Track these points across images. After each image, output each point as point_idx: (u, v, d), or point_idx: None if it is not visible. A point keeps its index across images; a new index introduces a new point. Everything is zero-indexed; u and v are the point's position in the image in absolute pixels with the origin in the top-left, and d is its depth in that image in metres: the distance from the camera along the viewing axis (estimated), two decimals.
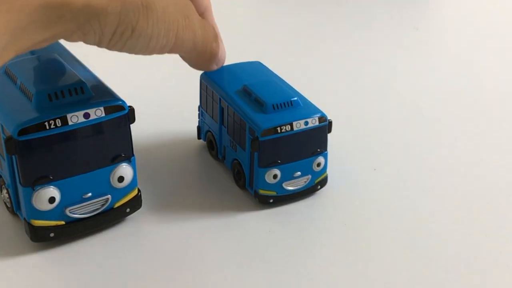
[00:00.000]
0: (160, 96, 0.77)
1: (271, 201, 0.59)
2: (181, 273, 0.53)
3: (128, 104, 0.53)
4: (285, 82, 0.63)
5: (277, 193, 0.59)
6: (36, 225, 0.53)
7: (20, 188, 0.52)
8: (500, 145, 0.71)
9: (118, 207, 0.56)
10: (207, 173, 0.64)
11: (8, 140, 0.50)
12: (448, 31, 1.02)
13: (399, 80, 0.85)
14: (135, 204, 0.57)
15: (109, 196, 0.55)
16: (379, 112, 0.77)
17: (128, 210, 0.56)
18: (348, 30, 1.00)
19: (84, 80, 0.53)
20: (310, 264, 0.54)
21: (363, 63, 0.89)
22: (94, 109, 0.52)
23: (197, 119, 0.67)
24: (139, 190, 0.57)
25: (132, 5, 0.44)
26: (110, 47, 0.46)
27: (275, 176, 0.58)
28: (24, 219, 0.53)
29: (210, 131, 0.65)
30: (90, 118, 0.52)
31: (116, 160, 0.54)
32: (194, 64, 0.58)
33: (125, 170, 0.55)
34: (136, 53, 0.48)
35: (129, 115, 0.54)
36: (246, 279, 0.52)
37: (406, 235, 0.57)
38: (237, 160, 0.61)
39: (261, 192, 0.58)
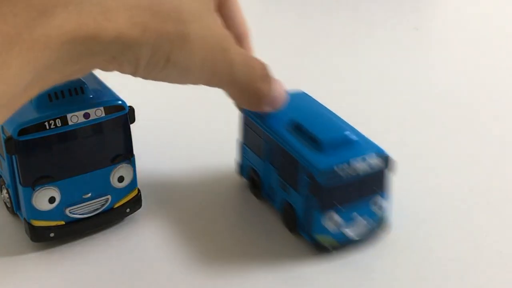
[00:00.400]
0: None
1: (330, 248, 0.53)
2: (182, 275, 0.53)
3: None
4: (335, 115, 0.59)
5: (336, 239, 0.53)
6: (36, 225, 0.53)
7: (20, 188, 0.52)
8: (501, 145, 0.71)
9: (118, 207, 0.56)
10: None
11: (8, 140, 0.50)
12: (448, 31, 1.02)
13: (399, 80, 0.85)
14: (135, 204, 0.57)
15: (109, 196, 0.55)
16: (378, 112, 0.76)
17: (128, 210, 0.56)
18: (347, 30, 1.00)
19: (84, 80, 0.53)
20: None
21: (362, 62, 0.89)
22: (94, 109, 0.52)
23: (236, 153, 0.62)
24: (139, 191, 0.57)
25: (167, 35, 0.42)
26: (145, 77, 0.45)
27: (333, 221, 0.52)
28: (24, 219, 0.53)
29: (253, 169, 0.60)
30: (90, 118, 0.52)
31: (116, 160, 0.54)
32: (240, 104, 0.54)
33: (125, 170, 0.55)
34: (171, 83, 0.47)
35: (129, 115, 0.54)
36: None
37: (407, 235, 0.57)
38: (287, 202, 0.55)
39: (319, 238, 0.53)
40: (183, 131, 0.71)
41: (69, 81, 0.52)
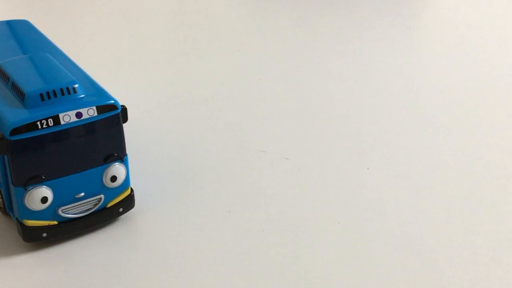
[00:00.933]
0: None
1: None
2: (178, 274, 0.53)
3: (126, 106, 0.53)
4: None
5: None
6: (28, 225, 0.52)
7: (12, 188, 0.52)
8: (497, 144, 0.71)
9: (111, 206, 0.56)
10: None
11: (0, 140, 0.50)
12: (441, 30, 1.03)
13: (393, 79, 0.85)
14: (128, 203, 0.57)
15: (102, 195, 0.55)
16: (373, 111, 0.77)
17: (121, 209, 0.56)
18: (340, 29, 1.00)
19: (76, 80, 0.53)
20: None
21: (355, 62, 0.89)
22: (87, 109, 0.52)
23: None
24: (132, 190, 0.57)
25: None
26: None
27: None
28: (17, 219, 0.53)
29: None
30: (83, 118, 0.52)
31: (108, 159, 0.54)
32: None
33: (118, 169, 0.55)
34: None
35: (122, 114, 0.54)
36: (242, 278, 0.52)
37: (404, 235, 0.57)
38: None
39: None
40: (176, 130, 0.71)
41: (61, 80, 0.53)
